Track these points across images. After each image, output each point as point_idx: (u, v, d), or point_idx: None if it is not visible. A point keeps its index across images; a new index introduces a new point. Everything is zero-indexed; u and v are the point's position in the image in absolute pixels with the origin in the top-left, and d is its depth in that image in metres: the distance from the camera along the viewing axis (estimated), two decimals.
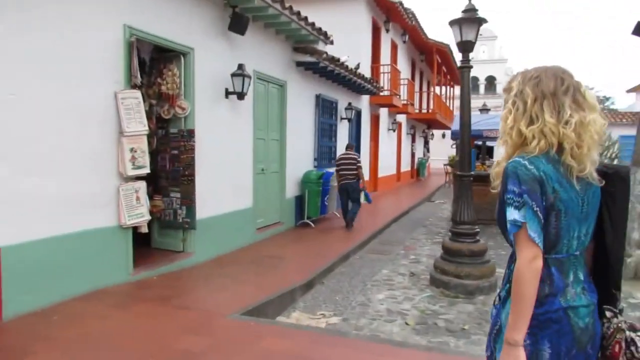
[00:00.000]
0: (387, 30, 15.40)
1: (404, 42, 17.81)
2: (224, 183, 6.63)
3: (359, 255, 7.46)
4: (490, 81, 34.10)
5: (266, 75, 7.69)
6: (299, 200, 9.17)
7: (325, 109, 10.33)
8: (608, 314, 1.59)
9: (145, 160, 4.87)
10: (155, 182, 5.92)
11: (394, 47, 17.12)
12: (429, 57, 20.60)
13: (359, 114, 12.91)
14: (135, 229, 4.98)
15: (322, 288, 5.67)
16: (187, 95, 5.81)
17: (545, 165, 1.47)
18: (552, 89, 1.51)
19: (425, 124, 24.24)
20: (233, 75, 6.46)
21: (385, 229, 9.64)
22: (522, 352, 1.45)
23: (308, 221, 9.10)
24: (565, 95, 1.51)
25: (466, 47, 5.58)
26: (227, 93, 6.58)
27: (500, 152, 1.71)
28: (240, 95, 6.56)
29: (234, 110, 6.82)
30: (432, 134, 26.95)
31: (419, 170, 23.86)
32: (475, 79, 34.29)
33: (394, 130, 17.66)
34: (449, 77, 24.33)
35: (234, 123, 6.85)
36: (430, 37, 18.82)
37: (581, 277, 1.54)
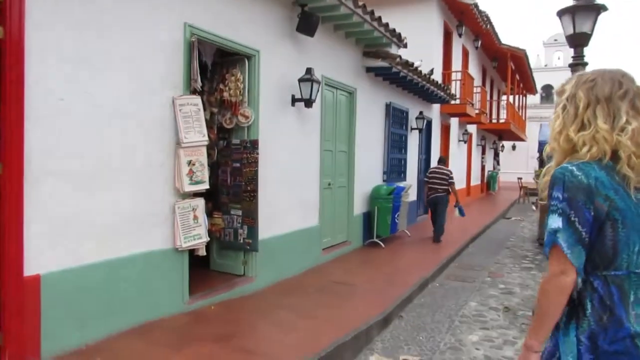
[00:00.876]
0: (460, 35, 14.41)
1: (476, 47, 16.70)
2: (288, 199, 6.01)
3: (438, 282, 6.58)
4: None
5: (335, 82, 7.04)
6: (367, 217, 8.41)
7: (396, 119, 9.54)
8: None
9: (204, 174, 4.31)
10: (215, 198, 5.38)
11: (465, 53, 16.08)
12: (501, 63, 19.30)
13: (429, 123, 12.00)
14: (192, 251, 4.42)
15: (401, 324, 4.86)
16: (251, 102, 5.25)
17: (597, 171, 1.37)
18: (607, 93, 1.41)
19: (496, 135, 22.80)
20: (301, 80, 5.85)
21: (462, 251, 8.67)
22: (537, 358, 1.43)
23: (377, 240, 8.31)
24: (622, 101, 1.41)
25: (580, 40, 4.65)
26: (294, 100, 5.97)
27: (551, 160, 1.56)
28: (308, 103, 5.93)
29: (300, 119, 6.20)
30: (503, 146, 25.35)
31: (489, 184, 22.43)
32: (550, 87, 32.14)
33: (465, 142, 16.55)
34: (521, 85, 22.82)
35: (300, 133, 6.23)
36: (503, 42, 17.62)
37: None
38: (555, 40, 31.21)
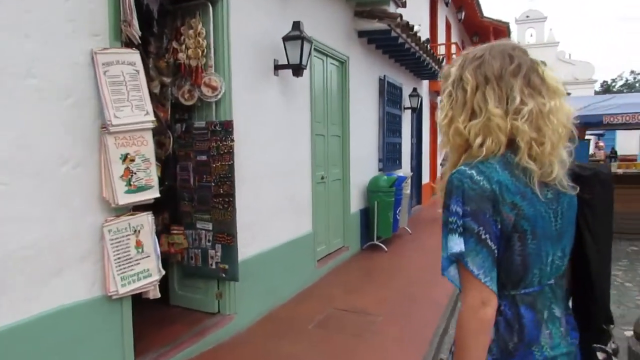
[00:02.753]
0: (447, 4, 13.03)
1: (460, 20, 15.40)
2: (274, 200, 4.46)
3: None
4: None
5: (325, 47, 5.48)
6: (365, 215, 6.95)
7: (390, 96, 8.06)
8: (600, 355, 1.25)
9: (151, 174, 2.73)
10: (174, 207, 3.78)
11: (448, 26, 14.76)
12: (483, 38, 18.10)
13: (420, 103, 10.59)
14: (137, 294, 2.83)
15: None
16: (219, 68, 3.65)
17: (499, 173, 1.10)
18: (497, 70, 1.15)
19: None
20: (287, 39, 4.28)
21: None
22: None
23: (379, 243, 6.87)
24: (514, 77, 1.13)
25: None
26: (277, 67, 4.40)
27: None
28: (297, 70, 4.37)
29: (286, 92, 4.63)
30: None
31: None
32: None
33: None
34: None
35: (286, 111, 4.66)
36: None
37: (557, 312, 1.19)
38: (527, 17, 30.32)
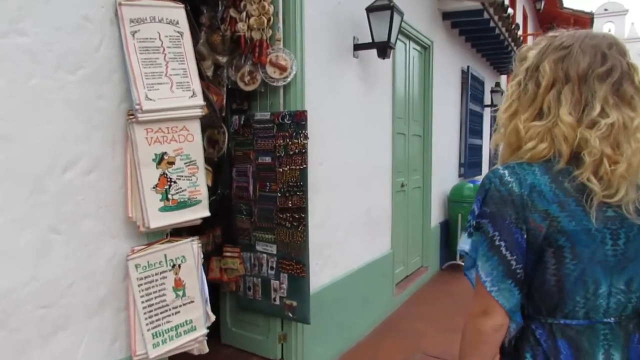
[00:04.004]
0: None
1: (539, 10, 13.93)
2: (350, 215, 3.56)
3: None
4: None
5: (408, 28, 4.52)
6: (444, 229, 5.93)
7: (474, 91, 6.97)
8: None
9: (197, 183, 1.88)
10: (227, 222, 2.96)
11: (524, 17, 13.39)
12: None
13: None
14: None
15: None
16: (289, 41, 2.80)
17: (537, 176, 0.96)
18: (582, 70, 0.95)
19: None
20: (371, 9, 3.37)
21: None
22: None
23: (461, 262, 5.82)
24: (601, 82, 0.94)
25: None
26: (357, 46, 3.50)
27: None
28: (383, 50, 3.45)
29: (366, 79, 3.72)
30: None
31: None
32: None
33: None
34: None
35: (365, 102, 3.75)
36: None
37: None
38: (606, 9, 27.93)
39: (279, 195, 2.72)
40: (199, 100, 1.84)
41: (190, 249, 1.87)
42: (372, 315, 3.93)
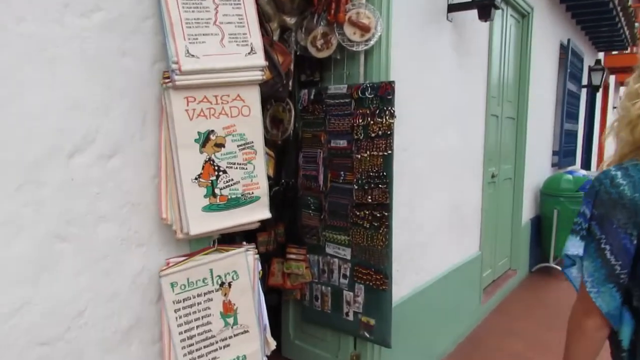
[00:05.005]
0: None
1: None
2: (439, 212, 2.98)
3: None
4: None
5: None
6: (535, 226, 5.17)
7: (573, 69, 6.05)
8: None
9: (255, 173, 1.38)
10: (292, 217, 2.47)
11: None
12: None
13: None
14: None
15: None
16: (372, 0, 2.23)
17: None
18: None
19: None
20: None
21: None
22: None
23: (555, 265, 5.06)
24: None
25: None
26: (451, 6, 2.87)
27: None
28: (487, 10, 2.79)
29: (460, 49, 3.09)
30: None
31: None
32: None
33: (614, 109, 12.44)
34: None
35: (459, 77, 3.12)
36: None
37: None
38: None
39: (356, 187, 2.19)
40: (260, 60, 1.34)
41: (245, 262, 1.39)
42: (457, 328, 3.35)
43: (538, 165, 5.22)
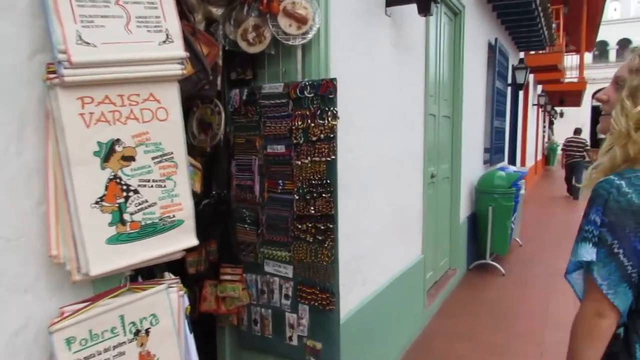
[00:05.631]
0: None
1: None
2: (384, 218, 2.82)
3: None
4: (624, 46, 27.63)
5: None
6: (472, 224, 5.20)
7: (500, 68, 6.19)
8: None
9: (177, 191, 1.10)
10: (226, 233, 2.19)
11: None
12: (574, 8, 15.60)
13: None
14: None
15: None
16: None
17: None
18: None
19: (556, 99, 19.18)
20: None
21: None
22: None
23: (492, 262, 5.12)
24: None
25: None
26: (389, 2, 2.72)
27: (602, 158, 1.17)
28: (425, 4, 2.65)
29: (399, 45, 2.95)
30: (562, 113, 21.81)
31: (548, 158, 19.03)
32: (604, 43, 27.87)
33: (541, 106, 13.23)
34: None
35: (399, 75, 2.98)
36: None
37: None
38: None
39: (297, 197, 1.96)
40: (178, 50, 1.07)
41: (166, 301, 1.12)
42: (404, 336, 3.22)
43: (472, 163, 5.26)
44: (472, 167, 5.23)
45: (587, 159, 10.64)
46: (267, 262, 2.09)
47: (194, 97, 1.62)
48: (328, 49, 2.06)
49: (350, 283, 2.38)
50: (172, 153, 1.08)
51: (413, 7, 2.74)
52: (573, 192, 10.77)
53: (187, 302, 1.20)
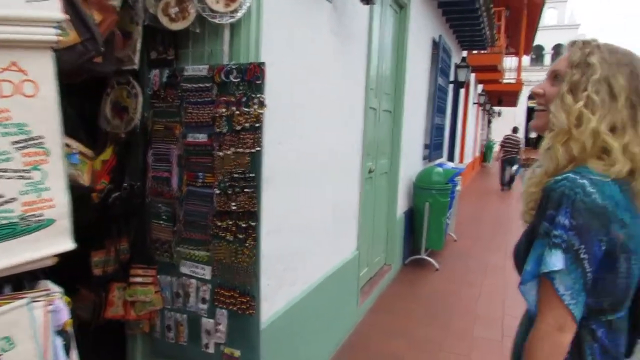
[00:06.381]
0: None
1: None
2: (317, 214, 2.69)
3: None
4: (559, 50, 29.28)
5: None
6: (409, 219, 5.20)
7: (443, 65, 6.22)
8: None
9: (47, 184, 0.90)
10: (140, 230, 1.98)
11: None
12: (515, 14, 16.15)
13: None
14: None
15: None
16: None
17: (611, 187, 1.00)
18: None
19: (495, 99, 19.88)
20: None
21: None
22: None
23: (427, 257, 5.15)
24: None
25: None
26: None
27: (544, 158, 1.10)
28: None
29: (340, 33, 2.81)
30: (499, 113, 22.66)
31: (485, 156, 19.76)
32: (540, 47, 29.25)
33: (481, 105, 13.64)
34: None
35: (339, 65, 2.85)
36: None
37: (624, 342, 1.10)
38: None
39: (218, 192, 1.78)
40: (53, 11, 0.87)
41: (28, 320, 0.91)
42: (336, 335, 3.13)
43: (412, 159, 5.26)
44: (411, 162, 5.23)
45: (520, 156, 11.69)
46: (184, 262, 1.90)
47: (79, 71, 1.36)
48: (260, 30, 1.89)
49: (277, 283, 2.24)
50: (41, 137, 0.88)
51: None
52: (504, 183, 11.97)
53: (64, 317, 1.00)
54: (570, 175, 0.99)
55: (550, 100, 1.09)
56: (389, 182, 4.52)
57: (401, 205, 4.90)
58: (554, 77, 1.11)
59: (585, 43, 1.08)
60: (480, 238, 6.58)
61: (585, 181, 0.98)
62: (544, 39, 28.42)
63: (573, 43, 1.10)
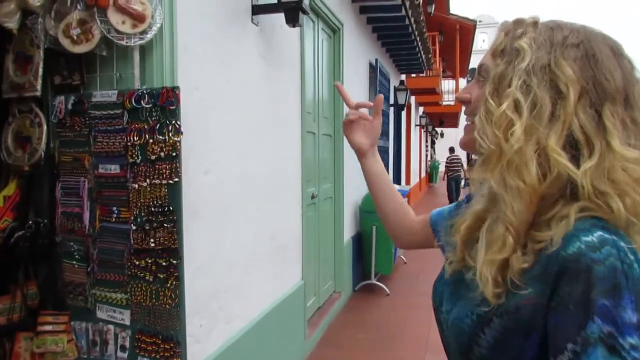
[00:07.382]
0: None
1: (430, 13, 13.99)
2: (251, 246, 2.55)
3: None
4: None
5: (318, 4, 3.61)
6: (357, 244, 5.13)
7: (381, 88, 6.32)
8: None
9: None
10: (49, 272, 1.77)
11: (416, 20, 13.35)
12: (448, 38, 16.87)
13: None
14: None
15: None
16: None
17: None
18: (620, 80, 0.66)
19: (437, 121, 20.53)
20: None
21: None
22: None
23: (378, 282, 5.07)
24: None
25: None
26: (257, 8, 2.50)
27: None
28: (294, 12, 2.48)
29: (269, 57, 2.73)
30: (442, 133, 23.39)
31: (431, 176, 20.25)
32: (474, 70, 30.95)
33: (423, 127, 14.01)
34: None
35: (269, 89, 2.76)
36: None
37: None
38: (480, 21, 29.91)
39: (134, 227, 1.62)
40: None
41: None
42: None
43: (357, 182, 5.20)
44: (357, 186, 5.18)
45: (464, 175, 12.49)
46: (100, 306, 1.71)
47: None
48: (174, 53, 1.77)
49: (210, 323, 2.07)
50: None
51: (283, 18, 2.57)
52: (454, 200, 12.60)
53: None
54: (606, 235, 0.61)
55: (477, 108, 0.74)
56: (334, 207, 4.44)
57: (348, 230, 4.82)
58: (480, 74, 0.78)
59: (517, 22, 0.74)
60: (430, 259, 6.58)
61: (623, 243, 0.61)
62: (477, 62, 29.98)
63: (502, 24, 0.78)
